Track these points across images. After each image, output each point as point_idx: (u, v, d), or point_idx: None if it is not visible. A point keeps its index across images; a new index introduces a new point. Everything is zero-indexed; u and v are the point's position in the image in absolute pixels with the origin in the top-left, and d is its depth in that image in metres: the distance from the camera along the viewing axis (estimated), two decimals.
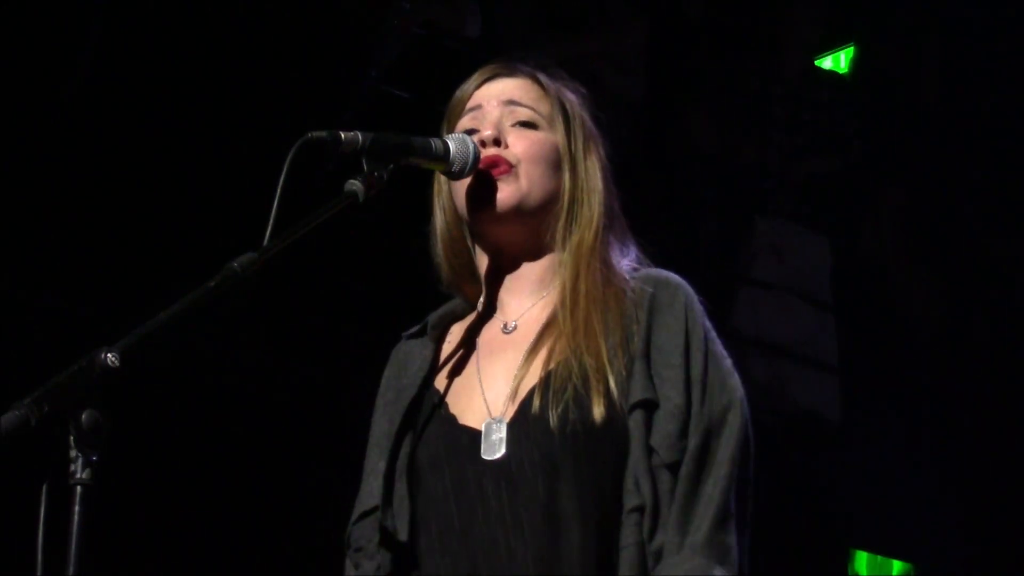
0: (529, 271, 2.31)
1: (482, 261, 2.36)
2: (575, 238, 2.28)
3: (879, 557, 6.01)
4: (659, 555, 2.09)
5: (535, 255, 2.31)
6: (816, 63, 6.37)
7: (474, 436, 2.18)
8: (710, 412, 2.14)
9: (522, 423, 2.15)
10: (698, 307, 2.24)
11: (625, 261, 2.31)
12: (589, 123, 2.37)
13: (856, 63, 6.46)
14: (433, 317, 2.39)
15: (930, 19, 6.24)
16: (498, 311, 2.33)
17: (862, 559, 5.97)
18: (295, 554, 4.97)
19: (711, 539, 2.06)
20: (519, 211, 2.27)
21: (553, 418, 2.11)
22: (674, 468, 2.11)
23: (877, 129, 6.14)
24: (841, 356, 5.74)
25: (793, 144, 6.02)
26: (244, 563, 4.82)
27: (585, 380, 2.13)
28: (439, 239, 2.38)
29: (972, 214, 6.01)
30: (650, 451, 2.11)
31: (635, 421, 2.12)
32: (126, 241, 4.77)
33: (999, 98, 6.04)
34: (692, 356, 2.18)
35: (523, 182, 2.27)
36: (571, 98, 2.37)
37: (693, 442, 2.12)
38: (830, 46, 6.53)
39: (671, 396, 2.14)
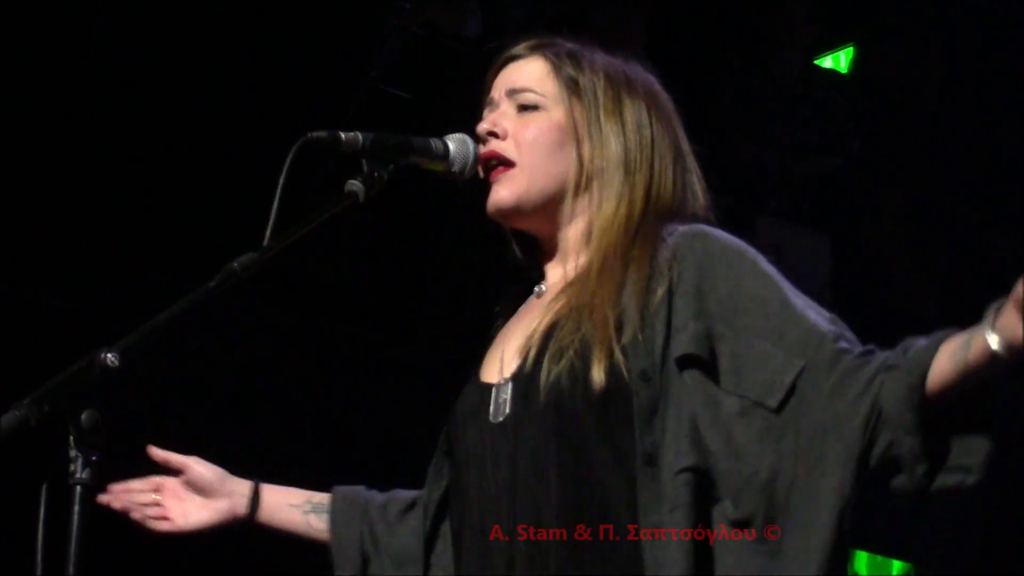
0: (563, 243, 2.26)
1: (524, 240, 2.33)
2: (594, 207, 2.22)
3: (879, 557, 6.01)
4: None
5: (563, 228, 2.25)
6: (816, 63, 6.37)
7: (485, 394, 2.17)
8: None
9: (521, 382, 2.13)
10: (734, 250, 2.18)
11: (672, 223, 2.21)
12: (620, 88, 2.27)
13: (856, 63, 6.46)
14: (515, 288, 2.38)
15: (930, 19, 6.25)
16: (544, 280, 2.29)
17: (862, 559, 5.97)
18: (294, 553, 4.96)
19: None
20: (519, 209, 2.24)
21: (549, 377, 2.08)
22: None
23: (877, 129, 6.14)
24: None
25: (793, 143, 6.03)
26: (243, 563, 4.82)
27: (585, 340, 2.08)
28: None
29: (971, 214, 6.01)
30: (716, 404, 2.03)
31: (692, 378, 2.04)
32: (126, 241, 4.77)
33: (999, 98, 6.04)
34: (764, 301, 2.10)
35: (522, 178, 2.24)
36: (589, 68, 2.28)
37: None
38: (830, 46, 6.53)
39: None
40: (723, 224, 2.32)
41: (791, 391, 2.01)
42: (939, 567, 5.82)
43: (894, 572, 6.11)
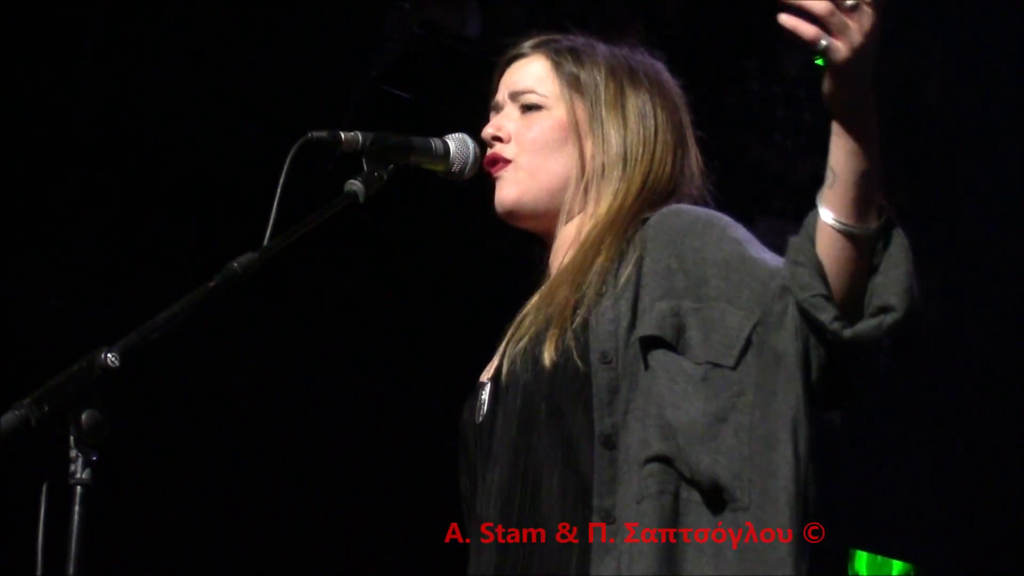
0: (561, 240, 2.25)
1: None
2: (592, 204, 2.21)
3: (879, 557, 6.01)
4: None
5: (565, 225, 2.24)
6: (816, 63, 6.37)
7: (475, 395, 2.19)
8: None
9: (495, 380, 2.14)
10: (703, 221, 2.12)
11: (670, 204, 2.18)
12: (622, 79, 2.26)
13: None
14: None
15: (931, 19, 6.25)
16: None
17: (862, 559, 5.97)
18: (294, 553, 4.96)
19: None
20: (519, 208, 2.24)
21: (509, 365, 2.08)
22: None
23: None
24: None
25: (794, 144, 6.03)
26: (243, 563, 4.82)
27: (541, 326, 2.07)
28: None
29: (972, 214, 6.01)
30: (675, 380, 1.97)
31: (656, 359, 1.99)
32: (126, 241, 4.77)
33: (1000, 98, 6.04)
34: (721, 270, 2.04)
35: (521, 176, 2.23)
36: (590, 62, 2.28)
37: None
38: None
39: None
40: None
41: (747, 345, 1.96)
42: (939, 567, 5.82)
43: (894, 572, 6.11)
